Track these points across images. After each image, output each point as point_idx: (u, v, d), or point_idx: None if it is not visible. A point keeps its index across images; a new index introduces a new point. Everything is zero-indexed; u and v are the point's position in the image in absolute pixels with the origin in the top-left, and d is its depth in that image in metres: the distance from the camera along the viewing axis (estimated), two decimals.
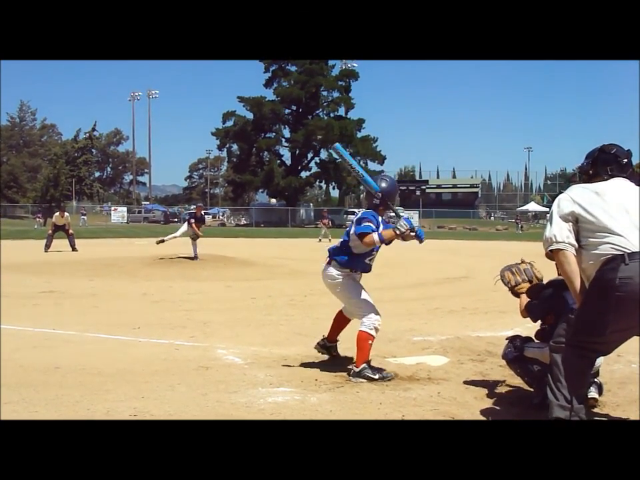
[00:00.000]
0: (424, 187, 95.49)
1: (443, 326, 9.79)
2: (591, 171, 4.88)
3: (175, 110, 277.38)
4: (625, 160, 4.77)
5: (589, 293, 4.45)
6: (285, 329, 9.57)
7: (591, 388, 5.76)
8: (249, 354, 7.71)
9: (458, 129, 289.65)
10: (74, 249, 26.64)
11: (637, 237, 4.28)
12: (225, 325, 9.83)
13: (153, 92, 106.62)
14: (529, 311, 6.00)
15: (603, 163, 4.81)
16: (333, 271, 7.16)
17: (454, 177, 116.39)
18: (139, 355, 7.69)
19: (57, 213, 28.61)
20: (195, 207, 25.96)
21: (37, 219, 65.49)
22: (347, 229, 7.27)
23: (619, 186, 4.62)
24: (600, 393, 5.88)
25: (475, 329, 9.35)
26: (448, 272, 19.66)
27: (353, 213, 77.68)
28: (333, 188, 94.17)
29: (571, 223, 4.51)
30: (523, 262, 6.27)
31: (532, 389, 5.99)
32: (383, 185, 7.19)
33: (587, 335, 4.45)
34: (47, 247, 26.75)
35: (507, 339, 6.25)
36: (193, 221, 22.67)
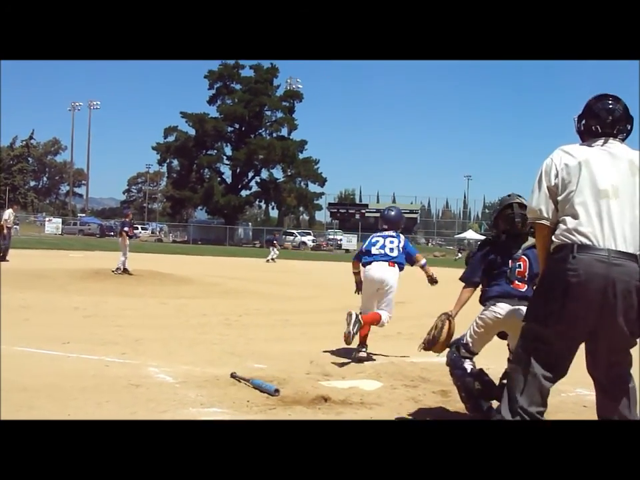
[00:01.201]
0: (364, 211, 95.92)
1: (377, 350, 9.78)
2: (581, 128, 4.59)
3: (115, 122, 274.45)
4: (610, 118, 4.43)
5: (540, 279, 4.44)
6: (219, 348, 9.46)
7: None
8: (181, 373, 7.59)
9: (399, 155, 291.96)
10: (3, 258, 25.44)
11: (603, 226, 4.13)
12: (158, 342, 9.69)
13: (94, 103, 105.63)
14: (464, 277, 6.24)
15: (588, 118, 4.52)
16: (397, 274, 9.56)
17: (394, 201, 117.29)
18: (68, 370, 7.51)
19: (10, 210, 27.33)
20: (125, 214, 25.28)
21: None
22: (391, 242, 9.66)
23: (606, 155, 4.32)
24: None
25: (409, 355, 9.36)
26: None
27: (292, 234, 78.23)
28: (273, 208, 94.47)
29: (554, 193, 4.34)
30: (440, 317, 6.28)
31: (466, 406, 6.05)
32: (392, 214, 9.89)
33: (535, 322, 4.33)
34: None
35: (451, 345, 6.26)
36: (126, 228, 22.37)
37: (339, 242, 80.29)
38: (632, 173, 4.21)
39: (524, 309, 5.59)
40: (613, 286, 4.01)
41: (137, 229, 79.08)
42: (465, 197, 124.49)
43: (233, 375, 7.33)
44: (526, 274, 5.95)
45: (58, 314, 12.31)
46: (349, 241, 78.81)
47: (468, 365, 6.07)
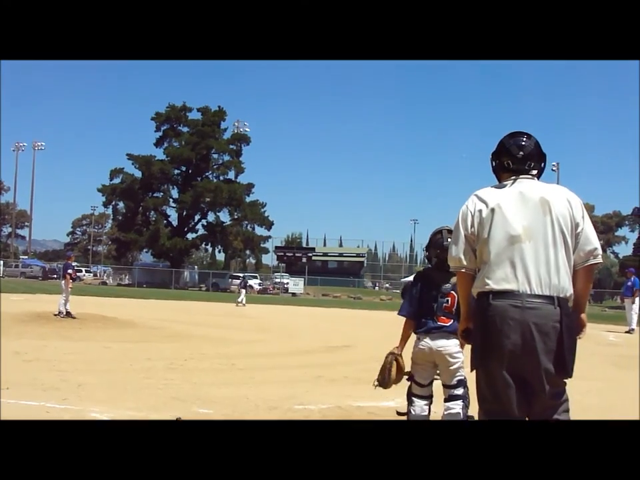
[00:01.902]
0: (310, 254, 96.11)
1: (324, 395, 9.73)
2: (494, 164, 4.60)
3: (60, 163, 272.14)
4: (521, 153, 4.45)
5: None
6: (163, 393, 9.32)
7: None
8: (124, 418, 7.44)
9: (346, 199, 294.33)
10: None
11: (517, 271, 4.16)
12: (101, 387, 9.51)
13: (39, 143, 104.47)
14: (401, 312, 6.33)
15: (501, 155, 4.53)
16: None
17: (340, 245, 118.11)
18: (7, 417, 7.30)
19: None
20: (68, 256, 24.82)
21: None
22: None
23: (517, 197, 4.30)
24: None
25: (356, 399, 9.33)
26: (331, 340, 19.69)
27: (238, 277, 77.99)
28: (219, 251, 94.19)
29: (472, 241, 4.37)
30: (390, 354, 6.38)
31: None
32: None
33: (473, 366, 4.34)
34: None
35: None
36: (70, 271, 22.08)
37: (285, 285, 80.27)
38: (544, 212, 4.22)
39: (445, 342, 5.94)
40: (529, 330, 4.04)
41: (81, 271, 78.20)
42: (411, 241, 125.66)
43: (177, 420, 7.21)
44: (453, 309, 6.00)
45: None
46: (296, 285, 78.80)
47: (414, 407, 6.11)
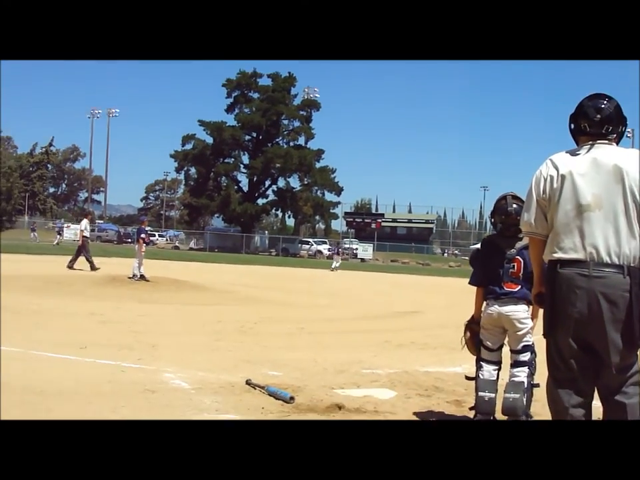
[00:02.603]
0: (380, 220, 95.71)
1: (391, 359, 9.79)
2: (572, 127, 4.49)
3: (134, 129, 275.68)
4: (598, 116, 4.31)
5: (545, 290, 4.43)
6: (234, 355, 9.49)
7: None
8: (196, 379, 7.63)
9: (416, 165, 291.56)
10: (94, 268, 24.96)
11: (585, 239, 4.13)
12: (174, 348, 9.73)
13: (113, 110, 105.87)
14: (471, 280, 6.35)
15: (579, 117, 4.42)
16: None
17: (410, 211, 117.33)
18: (84, 375, 7.57)
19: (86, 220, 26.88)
20: (141, 221, 25.17)
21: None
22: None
23: (590, 164, 4.24)
24: None
25: (423, 364, 9.37)
26: (399, 306, 19.71)
27: (308, 243, 78.05)
28: (289, 217, 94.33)
29: (544, 206, 4.34)
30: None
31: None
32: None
33: (545, 333, 4.34)
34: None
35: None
36: (143, 235, 22.44)
37: (354, 251, 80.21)
38: (616, 180, 4.13)
39: (513, 307, 5.93)
40: (596, 299, 4.02)
41: (154, 235, 79.31)
42: (481, 208, 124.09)
43: (248, 382, 7.36)
44: (520, 274, 5.99)
45: (75, 319, 12.39)
46: (365, 250, 78.72)
47: (482, 371, 6.12)
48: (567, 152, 4.39)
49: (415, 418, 6.49)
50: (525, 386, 5.88)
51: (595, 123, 4.31)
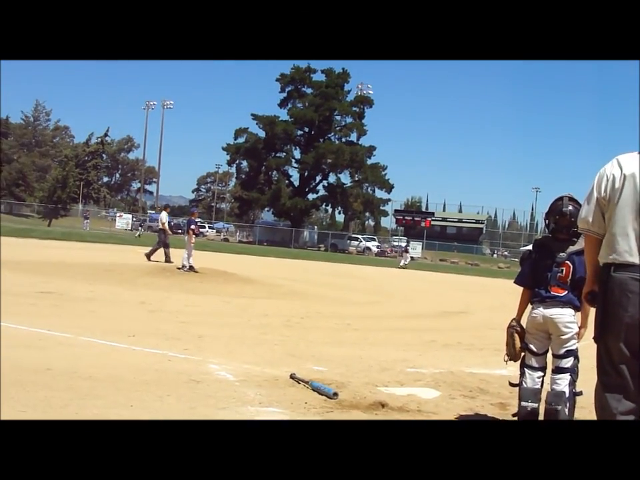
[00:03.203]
0: (429, 219, 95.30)
1: (436, 359, 9.76)
2: None
3: (187, 122, 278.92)
4: None
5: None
6: (279, 349, 9.54)
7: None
8: (241, 371, 7.69)
9: (467, 165, 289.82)
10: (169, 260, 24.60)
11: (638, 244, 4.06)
12: (220, 340, 9.81)
13: (168, 102, 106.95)
14: (517, 280, 6.25)
15: None
16: None
17: (460, 211, 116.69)
18: (132, 362, 7.67)
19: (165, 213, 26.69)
20: (192, 212, 25.25)
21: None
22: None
23: None
24: None
25: (468, 365, 9.32)
26: (446, 305, 19.64)
27: (357, 239, 78.01)
28: (339, 212, 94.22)
29: (603, 205, 4.29)
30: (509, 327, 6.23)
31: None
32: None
33: (595, 337, 4.28)
34: (168, 256, 24.82)
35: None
36: (193, 226, 22.60)
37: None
38: None
39: (559, 310, 5.79)
40: None
41: (204, 227, 79.92)
42: (532, 209, 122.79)
43: (292, 376, 7.40)
44: (568, 279, 5.87)
45: (124, 307, 12.57)
46: (414, 249, 78.45)
47: (525, 379, 6.02)
48: (637, 152, 4.31)
49: (458, 419, 6.46)
50: (567, 395, 5.73)
51: None
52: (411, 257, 52.12)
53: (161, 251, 25.11)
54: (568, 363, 5.85)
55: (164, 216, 26.22)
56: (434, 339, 11.75)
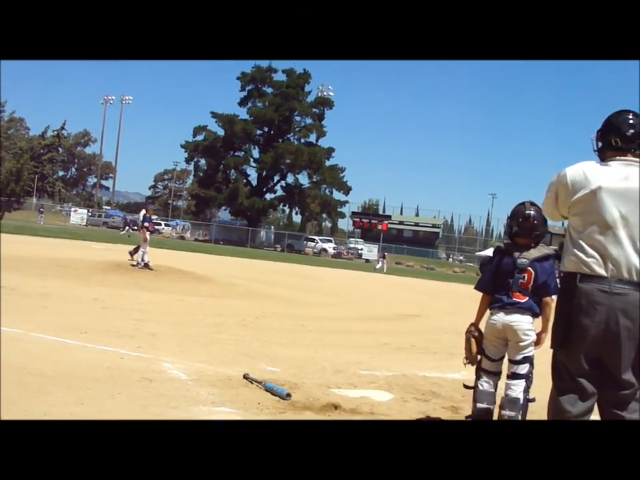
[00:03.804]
0: (386, 222, 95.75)
1: (390, 362, 9.79)
2: (599, 143, 4.48)
3: (146, 118, 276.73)
4: (631, 131, 4.31)
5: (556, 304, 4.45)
6: (233, 348, 9.51)
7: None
8: (194, 370, 7.65)
9: (425, 169, 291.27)
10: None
11: (608, 256, 4.12)
12: (173, 338, 9.75)
13: (127, 97, 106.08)
14: (478, 286, 6.24)
15: (608, 132, 4.41)
16: None
17: (417, 214, 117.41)
18: (83, 360, 7.59)
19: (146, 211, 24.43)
20: (145, 209, 24.77)
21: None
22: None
23: (620, 181, 4.18)
24: None
25: (421, 368, 9.37)
26: (401, 309, 19.75)
27: (314, 241, 78.08)
28: (296, 213, 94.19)
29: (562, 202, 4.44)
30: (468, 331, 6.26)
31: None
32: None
33: (553, 345, 4.37)
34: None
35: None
36: (147, 224, 22.40)
37: (359, 251, 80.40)
38: None
39: (519, 317, 5.84)
40: (615, 315, 4.03)
41: (159, 224, 79.37)
42: (488, 215, 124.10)
43: (245, 376, 7.38)
44: (529, 285, 5.91)
45: (77, 304, 12.43)
46: (370, 251, 78.77)
47: (481, 382, 6.07)
48: (598, 164, 4.37)
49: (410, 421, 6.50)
50: (522, 402, 5.77)
51: (626, 138, 4.30)
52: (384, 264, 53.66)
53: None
54: (524, 369, 5.88)
55: (142, 215, 25.64)
56: (388, 342, 11.80)
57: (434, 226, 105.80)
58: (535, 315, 5.91)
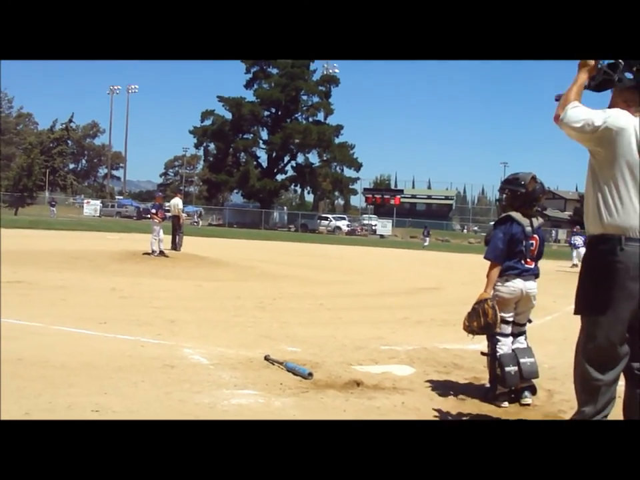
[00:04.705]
0: (399, 196, 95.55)
1: (410, 336, 9.79)
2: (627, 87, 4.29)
3: (153, 105, 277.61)
4: None
5: (585, 269, 4.32)
6: (253, 331, 9.52)
7: (526, 392, 6.29)
8: (215, 354, 7.67)
9: (435, 141, 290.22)
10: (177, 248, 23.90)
11: None
12: (193, 324, 9.77)
13: (133, 87, 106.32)
14: (489, 256, 6.36)
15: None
16: None
17: (429, 187, 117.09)
18: (104, 350, 7.62)
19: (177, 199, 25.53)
20: (157, 197, 24.76)
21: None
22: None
23: None
24: (533, 393, 6.38)
25: (442, 341, 9.35)
26: (418, 282, 19.73)
27: (327, 219, 78.03)
28: (308, 192, 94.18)
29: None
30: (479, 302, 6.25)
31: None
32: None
33: (585, 312, 4.26)
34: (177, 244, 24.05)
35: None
36: (154, 210, 22.42)
37: (373, 227, 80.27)
38: None
39: (533, 284, 6.35)
40: None
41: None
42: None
43: (266, 358, 7.40)
44: (535, 252, 6.41)
45: (95, 294, 12.47)
46: (384, 227, 78.73)
47: (501, 346, 6.35)
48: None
49: (433, 394, 6.50)
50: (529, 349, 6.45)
51: None
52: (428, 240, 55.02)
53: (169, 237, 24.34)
54: (526, 327, 6.59)
55: (179, 202, 25.48)
56: (407, 316, 11.79)
57: (447, 198, 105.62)
58: (537, 278, 6.45)
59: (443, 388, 6.77)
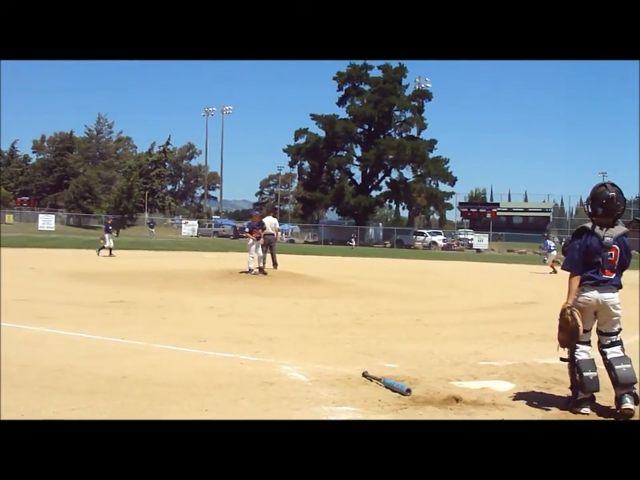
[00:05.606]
0: (495, 210, 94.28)
1: (509, 351, 9.66)
2: None
3: (247, 125, 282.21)
4: None
5: None
6: (350, 347, 9.53)
7: (626, 398, 6.12)
8: (313, 371, 7.71)
9: (531, 153, 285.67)
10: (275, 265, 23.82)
11: None
12: (290, 341, 9.85)
13: (227, 108, 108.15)
14: (567, 267, 6.55)
15: None
16: None
17: (525, 200, 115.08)
18: (205, 367, 7.76)
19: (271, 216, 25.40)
20: (253, 215, 24.95)
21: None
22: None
23: None
24: (636, 403, 6.15)
25: (542, 356, 9.16)
26: (517, 296, 19.43)
27: (423, 234, 77.60)
28: (403, 208, 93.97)
29: None
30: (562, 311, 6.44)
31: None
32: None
33: None
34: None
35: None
36: (247, 229, 22.54)
37: (469, 241, 79.42)
38: None
39: (611, 294, 6.28)
40: None
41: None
42: None
43: (364, 374, 7.39)
44: (616, 262, 6.29)
45: (194, 313, 12.70)
46: (480, 241, 77.77)
47: (579, 353, 6.42)
48: None
49: (534, 410, 6.39)
50: (627, 357, 6.30)
51: None
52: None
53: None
54: (619, 337, 6.42)
55: (275, 221, 25.65)
56: (505, 331, 11.61)
57: (544, 210, 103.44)
58: (620, 289, 6.35)
59: (544, 403, 6.64)
